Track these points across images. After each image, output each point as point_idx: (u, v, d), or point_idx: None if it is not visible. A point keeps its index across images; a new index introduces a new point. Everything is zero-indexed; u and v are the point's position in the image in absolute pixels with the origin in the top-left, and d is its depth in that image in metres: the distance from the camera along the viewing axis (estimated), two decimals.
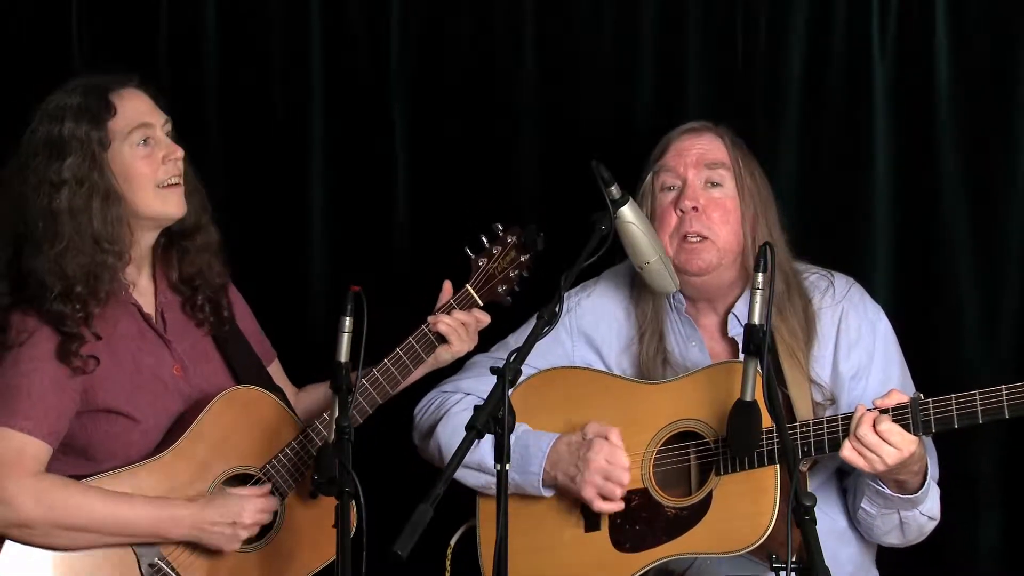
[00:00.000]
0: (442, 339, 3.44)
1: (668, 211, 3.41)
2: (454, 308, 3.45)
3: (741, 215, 3.40)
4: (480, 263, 3.48)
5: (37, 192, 3.23)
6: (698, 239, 3.38)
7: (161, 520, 3.25)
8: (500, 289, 3.48)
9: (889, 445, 3.12)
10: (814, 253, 3.60)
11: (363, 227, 4.25)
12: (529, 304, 3.19)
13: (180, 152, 3.32)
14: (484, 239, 3.49)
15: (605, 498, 3.32)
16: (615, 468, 3.31)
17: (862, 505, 3.34)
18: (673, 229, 3.39)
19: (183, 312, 3.43)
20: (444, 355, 3.49)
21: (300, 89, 4.26)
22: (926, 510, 3.30)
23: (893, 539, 3.38)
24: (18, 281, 3.25)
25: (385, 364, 3.41)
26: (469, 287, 3.47)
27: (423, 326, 3.44)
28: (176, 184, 3.32)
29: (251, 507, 3.30)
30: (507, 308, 3.49)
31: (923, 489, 3.23)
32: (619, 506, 3.32)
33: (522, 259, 3.48)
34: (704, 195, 3.40)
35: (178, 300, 3.43)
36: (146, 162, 3.29)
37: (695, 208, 3.38)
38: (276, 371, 3.62)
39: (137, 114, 3.30)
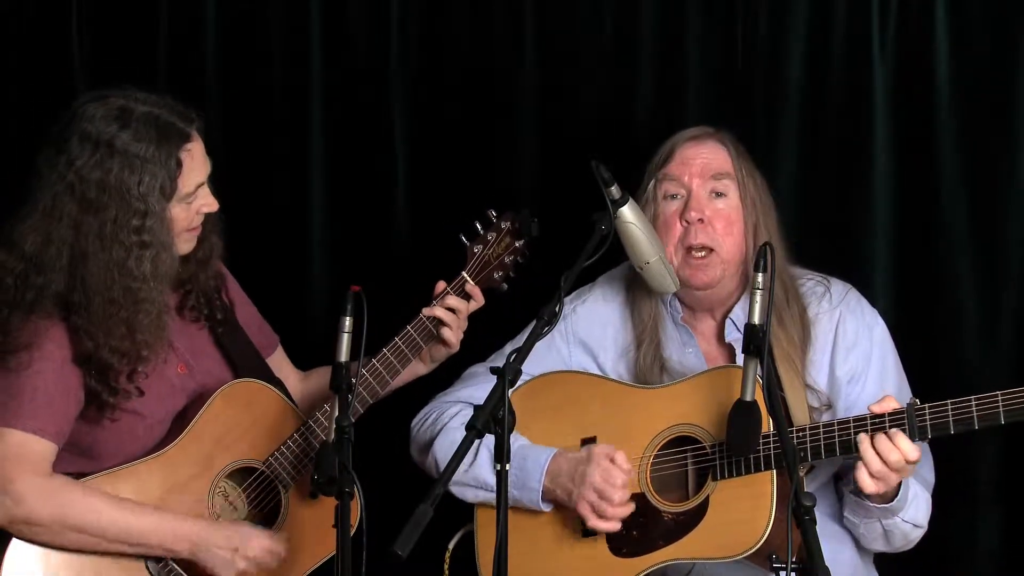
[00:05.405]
0: (439, 328, 3.43)
1: (672, 221, 3.40)
2: (450, 295, 3.44)
3: (744, 224, 3.40)
4: (475, 250, 3.47)
5: (115, 243, 3.18)
6: (704, 253, 3.38)
7: (165, 532, 3.24)
8: (496, 275, 3.48)
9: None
10: (814, 254, 3.61)
11: (363, 227, 4.25)
12: (527, 307, 3.19)
13: (215, 207, 3.30)
14: (478, 225, 3.48)
15: (600, 516, 3.30)
16: (608, 486, 3.28)
17: (845, 514, 3.35)
18: (678, 240, 3.39)
19: (179, 309, 3.42)
20: (439, 352, 3.50)
21: (300, 89, 4.26)
22: (908, 517, 3.29)
23: (880, 546, 3.38)
24: (43, 290, 3.20)
25: (384, 354, 3.41)
26: (465, 274, 3.46)
27: (421, 315, 3.43)
28: (197, 228, 3.31)
29: (257, 543, 3.29)
30: (505, 312, 3.49)
31: (899, 497, 3.22)
32: (615, 526, 3.30)
33: (517, 244, 3.48)
34: (709, 206, 3.39)
35: (174, 298, 3.41)
36: (186, 212, 3.27)
37: (700, 220, 3.38)
38: (279, 357, 3.63)
39: (197, 173, 3.25)
